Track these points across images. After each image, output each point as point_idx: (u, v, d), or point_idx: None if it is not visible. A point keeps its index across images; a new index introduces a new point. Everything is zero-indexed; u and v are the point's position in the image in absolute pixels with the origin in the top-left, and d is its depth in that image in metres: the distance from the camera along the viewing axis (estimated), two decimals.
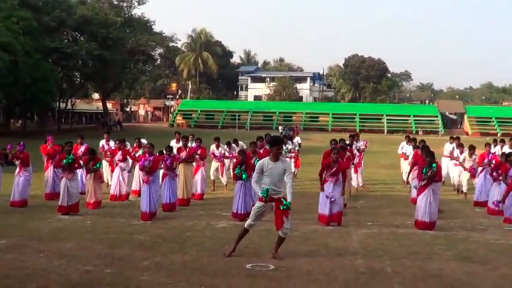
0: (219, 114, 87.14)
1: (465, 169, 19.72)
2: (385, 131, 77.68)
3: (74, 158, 15.49)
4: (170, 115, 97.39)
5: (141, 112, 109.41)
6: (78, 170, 16.14)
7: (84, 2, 67.78)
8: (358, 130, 74.00)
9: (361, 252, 10.84)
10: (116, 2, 74.31)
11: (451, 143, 21.93)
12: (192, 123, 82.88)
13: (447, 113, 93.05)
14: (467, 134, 76.28)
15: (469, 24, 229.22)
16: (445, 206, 16.83)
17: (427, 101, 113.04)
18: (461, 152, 20.30)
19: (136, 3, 74.86)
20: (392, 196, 19.62)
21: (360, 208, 17.10)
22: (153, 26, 76.85)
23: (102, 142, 20.96)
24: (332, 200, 13.88)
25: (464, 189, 20.25)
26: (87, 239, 11.62)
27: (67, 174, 15.18)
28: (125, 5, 74.50)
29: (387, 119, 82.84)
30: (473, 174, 19.27)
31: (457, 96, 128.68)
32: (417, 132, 75.27)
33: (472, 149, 20.13)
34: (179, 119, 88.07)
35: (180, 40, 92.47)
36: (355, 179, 20.69)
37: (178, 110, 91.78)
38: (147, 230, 12.83)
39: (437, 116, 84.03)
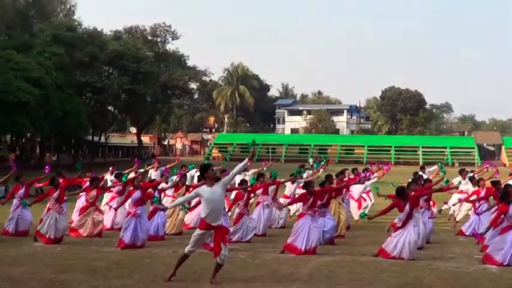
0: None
1: (469, 202, 19.40)
2: (421, 163, 76.75)
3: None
4: (207, 148, 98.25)
5: (178, 146, 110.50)
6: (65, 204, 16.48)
7: (119, 38, 69.38)
8: (393, 162, 73.78)
9: (303, 278, 10.95)
10: (150, 37, 75.97)
11: (463, 179, 21.35)
12: (227, 156, 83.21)
13: (485, 145, 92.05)
14: (504, 165, 75.15)
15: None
16: (432, 235, 16.84)
17: (465, 133, 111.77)
18: (474, 185, 19.69)
19: (170, 38, 76.63)
20: (382, 226, 19.44)
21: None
22: (187, 61, 78.40)
23: (107, 175, 21.40)
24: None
25: (459, 217, 20.17)
26: (44, 264, 11.98)
27: (56, 207, 15.55)
28: (158, 40, 76.11)
29: (423, 151, 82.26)
30: (475, 207, 19.06)
31: (494, 128, 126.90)
32: (453, 164, 74.30)
33: (462, 171, 20.73)
34: (215, 152, 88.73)
35: (213, 74, 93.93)
36: (357, 212, 20.77)
37: (214, 144, 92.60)
38: (110, 256, 13.14)
39: (473, 148, 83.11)
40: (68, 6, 70.32)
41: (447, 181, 16.28)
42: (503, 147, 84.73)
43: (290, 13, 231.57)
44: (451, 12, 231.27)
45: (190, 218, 18.04)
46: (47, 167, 18.11)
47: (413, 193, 14.31)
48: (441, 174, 17.62)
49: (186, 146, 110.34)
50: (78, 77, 57.94)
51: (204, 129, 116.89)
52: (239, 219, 16.09)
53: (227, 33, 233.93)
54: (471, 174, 21.00)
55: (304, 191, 14.50)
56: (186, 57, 78.88)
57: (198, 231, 10.52)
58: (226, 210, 17.14)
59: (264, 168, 22.57)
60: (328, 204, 15.71)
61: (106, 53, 61.22)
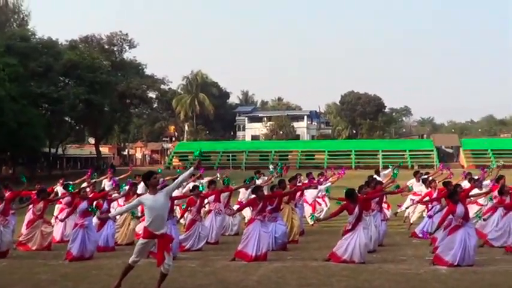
0: (215, 155, 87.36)
1: (422, 203, 19.49)
2: (381, 167, 77.25)
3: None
4: (167, 157, 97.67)
5: (138, 155, 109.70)
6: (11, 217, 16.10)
7: (74, 47, 68.56)
8: (353, 167, 74.63)
9: (252, 285, 10.84)
10: (106, 46, 75.35)
11: (417, 181, 21.45)
12: (188, 165, 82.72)
13: (443, 147, 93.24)
14: (462, 166, 76.03)
15: (469, 56, 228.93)
16: (386, 238, 16.89)
17: (424, 136, 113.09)
18: (427, 187, 19.75)
19: (127, 47, 76.20)
20: (336, 231, 19.31)
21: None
22: (145, 69, 78.09)
23: (57, 187, 21.02)
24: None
25: (413, 219, 20.26)
26: None
27: (1, 220, 15.15)
28: (115, 48, 75.57)
29: (383, 155, 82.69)
30: (428, 209, 19.11)
31: (453, 130, 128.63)
32: (412, 166, 74.98)
33: (416, 173, 21.29)
34: (175, 161, 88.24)
35: (171, 82, 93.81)
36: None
37: (175, 152, 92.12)
38: (56, 269, 12.86)
39: (432, 150, 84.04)
40: (21, 16, 69.29)
41: (397, 186, 16.29)
42: (461, 149, 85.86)
43: (248, 19, 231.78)
44: (408, 14, 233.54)
45: (142, 227, 17.72)
46: None
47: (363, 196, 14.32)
48: (392, 177, 17.70)
49: (146, 156, 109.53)
50: (33, 88, 56.88)
51: (164, 138, 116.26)
52: (191, 226, 15.94)
53: (185, 41, 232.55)
54: (425, 176, 21.06)
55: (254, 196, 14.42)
56: (144, 66, 78.76)
57: (141, 240, 10.37)
58: (179, 217, 17.00)
59: (218, 176, 22.38)
60: (278, 208, 15.62)
61: (61, 63, 60.31)
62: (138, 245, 10.34)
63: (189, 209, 16.26)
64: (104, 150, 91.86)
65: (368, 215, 14.56)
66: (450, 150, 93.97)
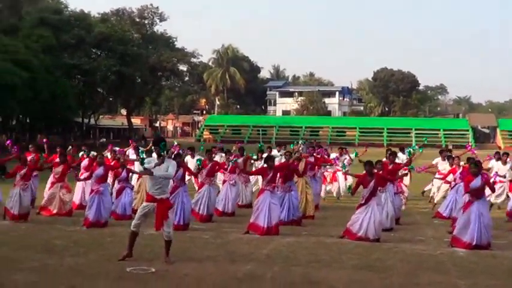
0: (245, 129, 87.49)
1: (446, 182, 19.16)
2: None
3: None
4: (198, 130, 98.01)
5: (170, 127, 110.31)
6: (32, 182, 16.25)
7: (106, 20, 68.84)
8: (385, 144, 73.93)
9: (261, 259, 10.80)
10: (137, 20, 75.71)
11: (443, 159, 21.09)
12: (218, 138, 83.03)
13: (479, 127, 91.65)
14: (499, 147, 74.73)
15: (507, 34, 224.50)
16: (406, 217, 16.64)
17: (460, 115, 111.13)
18: (451, 165, 19.46)
19: (157, 20, 76.65)
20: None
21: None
22: (176, 42, 78.47)
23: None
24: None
25: (437, 199, 19.86)
26: (1, 242, 11.99)
27: (21, 184, 15.31)
28: (146, 22, 75.88)
29: (416, 133, 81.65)
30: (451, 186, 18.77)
31: (490, 110, 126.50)
32: (446, 146, 73.94)
33: (442, 152, 20.90)
34: (206, 134, 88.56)
35: (202, 56, 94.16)
36: (323, 190, 20.56)
37: (205, 125, 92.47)
38: (71, 235, 13.11)
39: (468, 130, 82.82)
40: None
41: (412, 167, 16.03)
42: (498, 130, 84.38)
43: None
44: None
45: None
46: (15, 147, 17.77)
47: (380, 172, 14.02)
48: (407, 155, 17.29)
49: (178, 128, 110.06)
50: (66, 60, 57.41)
51: (195, 111, 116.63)
52: (201, 187, 16.07)
53: (217, 15, 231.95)
54: (450, 154, 20.68)
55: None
56: (175, 39, 79.38)
57: (143, 204, 10.66)
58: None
59: (234, 148, 22.32)
60: (290, 178, 15.47)
61: (93, 36, 60.55)
62: (140, 209, 10.63)
63: (201, 171, 16.23)
64: (136, 121, 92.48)
65: (383, 191, 14.29)
66: (486, 131, 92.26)
